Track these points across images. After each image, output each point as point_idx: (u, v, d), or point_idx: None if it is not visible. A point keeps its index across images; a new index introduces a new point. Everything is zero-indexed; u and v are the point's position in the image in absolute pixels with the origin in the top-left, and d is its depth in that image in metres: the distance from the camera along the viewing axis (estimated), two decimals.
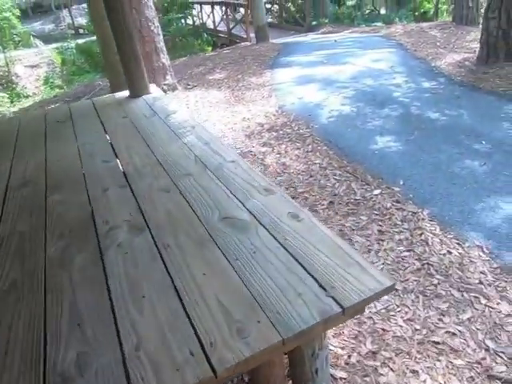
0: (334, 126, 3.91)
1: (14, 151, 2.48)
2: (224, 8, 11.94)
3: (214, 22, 12.82)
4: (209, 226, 1.49)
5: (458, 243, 2.25)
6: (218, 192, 1.71)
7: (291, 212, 1.50)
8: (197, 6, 13.99)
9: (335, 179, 3.03)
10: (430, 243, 2.26)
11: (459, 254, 2.17)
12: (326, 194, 2.87)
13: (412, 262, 2.16)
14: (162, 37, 5.45)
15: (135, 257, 1.38)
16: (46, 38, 16.23)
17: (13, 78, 13.50)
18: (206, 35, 12.88)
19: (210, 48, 12.35)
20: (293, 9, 12.75)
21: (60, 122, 2.90)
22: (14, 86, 12.14)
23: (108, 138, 2.51)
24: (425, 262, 2.14)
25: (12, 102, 11.34)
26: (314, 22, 11.31)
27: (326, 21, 11.41)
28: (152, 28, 5.20)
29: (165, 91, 5.60)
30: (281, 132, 3.97)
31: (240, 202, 1.61)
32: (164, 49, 5.52)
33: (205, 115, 4.75)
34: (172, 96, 5.55)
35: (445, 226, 2.39)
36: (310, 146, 3.58)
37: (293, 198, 2.90)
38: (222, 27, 12.41)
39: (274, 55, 7.37)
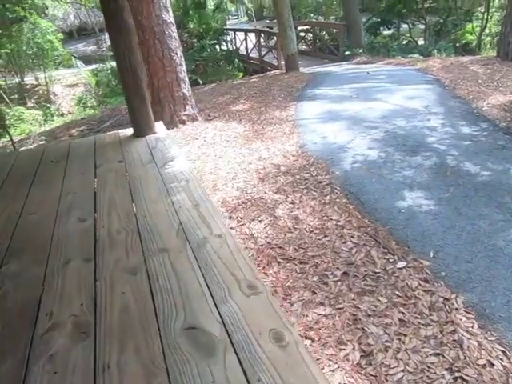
0: (358, 173, 3.52)
1: None
2: (257, 36, 12.01)
3: (246, 48, 12.92)
4: (167, 339, 1.16)
5: (502, 351, 1.78)
6: (191, 282, 1.38)
7: (275, 329, 1.15)
8: (231, 33, 14.25)
9: (353, 242, 2.63)
10: (466, 347, 1.81)
11: (504, 367, 1.71)
12: (340, 261, 2.48)
13: (441, 372, 1.71)
14: (184, 67, 5.35)
15: (63, 381, 1.07)
16: (87, 59, 16.96)
17: (51, 96, 14.14)
18: (237, 61, 12.96)
19: (240, 74, 12.39)
20: (327, 37, 12.62)
21: (54, 161, 2.72)
22: (49, 104, 12.64)
23: (95, 186, 2.27)
24: (457, 374, 1.70)
25: (46, 120, 11.77)
26: (347, 52, 11.07)
27: (360, 51, 11.15)
28: (174, 58, 5.11)
29: (184, 122, 5.46)
30: (298, 177, 3.63)
31: (214, 302, 1.28)
32: (186, 79, 5.41)
33: (220, 151, 4.51)
34: (191, 128, 5.39)
35: (485, 322, 1.93)
36: (328, 197, 3.21)
37: (301, 262, 2.53)
38: (254, 54, 12.47)
39: (302, 86, 7.13)
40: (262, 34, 12.11)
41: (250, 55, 12.74)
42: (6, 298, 1.42)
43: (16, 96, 13.25)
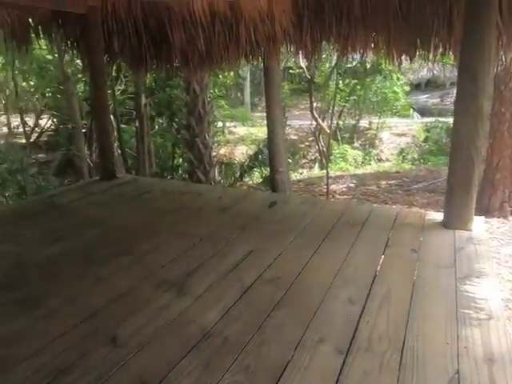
0: None
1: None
2: None
3: None
4: None
5: None
6: None
7: None
8: None
9: None
10: None
11: None
12: None
13: None
14: None
15: None
16: (425, 112, 17.76)
17: (376, 141, 15.84)
18: None
19: None
20: None
21: (351, 223, 2.96)
22: (371, 149, 14.19)
23: (378, 269, 2.29)
24: None
25: (363, 162, 13.28)
26: None
27: None
28: None
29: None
30: None
31: None
32: None
33: None
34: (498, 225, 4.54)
35: None
36: None
37: None
38: None
39: None
40: None
41: None
42: (261, 354, 1.65)
43: (347, 135, 15.71)
